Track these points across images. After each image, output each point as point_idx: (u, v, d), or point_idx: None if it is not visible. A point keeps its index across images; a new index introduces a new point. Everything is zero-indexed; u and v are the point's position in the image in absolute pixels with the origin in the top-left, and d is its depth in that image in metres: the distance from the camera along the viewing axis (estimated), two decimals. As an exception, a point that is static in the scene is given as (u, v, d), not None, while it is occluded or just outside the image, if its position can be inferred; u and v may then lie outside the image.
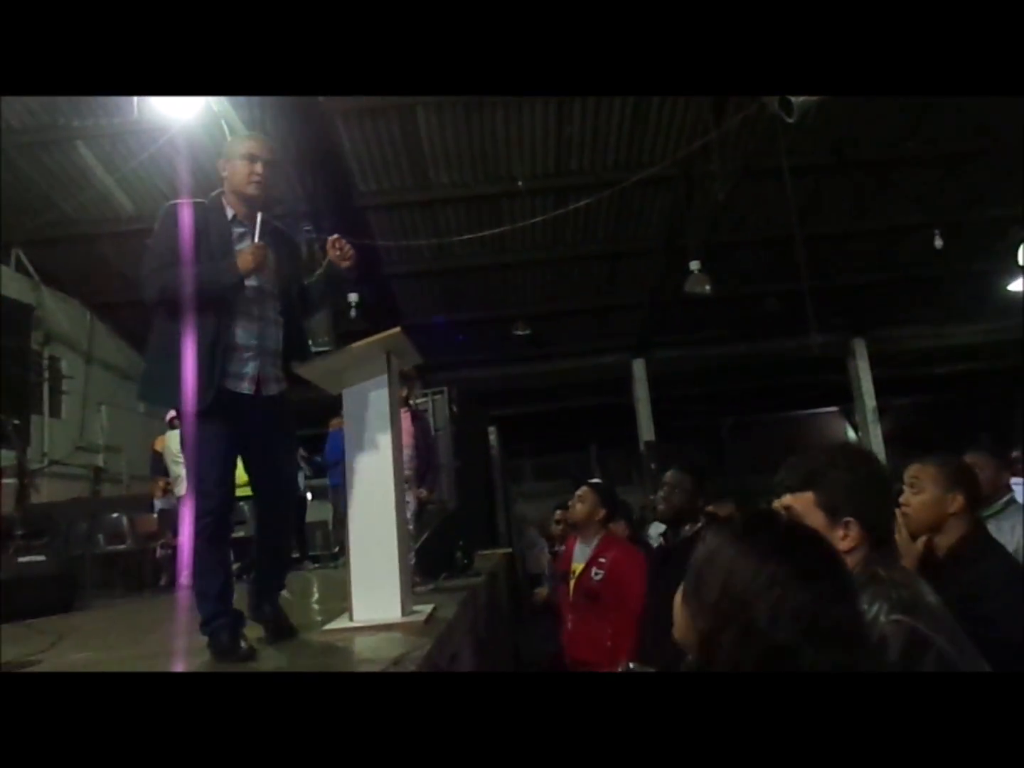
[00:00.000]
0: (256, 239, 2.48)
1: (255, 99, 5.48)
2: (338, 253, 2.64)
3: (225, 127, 5.43)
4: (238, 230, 2.54)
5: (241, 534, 7.74)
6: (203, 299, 2.43)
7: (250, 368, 2.48)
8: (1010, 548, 2.66)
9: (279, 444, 2.64)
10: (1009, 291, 10.22)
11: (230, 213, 2.56)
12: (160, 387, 2.48)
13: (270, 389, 2.53)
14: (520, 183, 7.79)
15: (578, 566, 3.87)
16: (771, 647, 0.92)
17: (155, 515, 7.28)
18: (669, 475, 3.15)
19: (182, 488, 7.55)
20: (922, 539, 2.11)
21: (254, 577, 2.74)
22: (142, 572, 6.83)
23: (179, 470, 7.58)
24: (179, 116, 5.45)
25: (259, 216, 2.51)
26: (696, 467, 3.19)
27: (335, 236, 2.68)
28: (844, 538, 1.50)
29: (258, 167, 2.53)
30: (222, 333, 2.45)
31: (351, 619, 2.61)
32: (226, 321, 2.46)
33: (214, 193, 2.59)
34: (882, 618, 1.39)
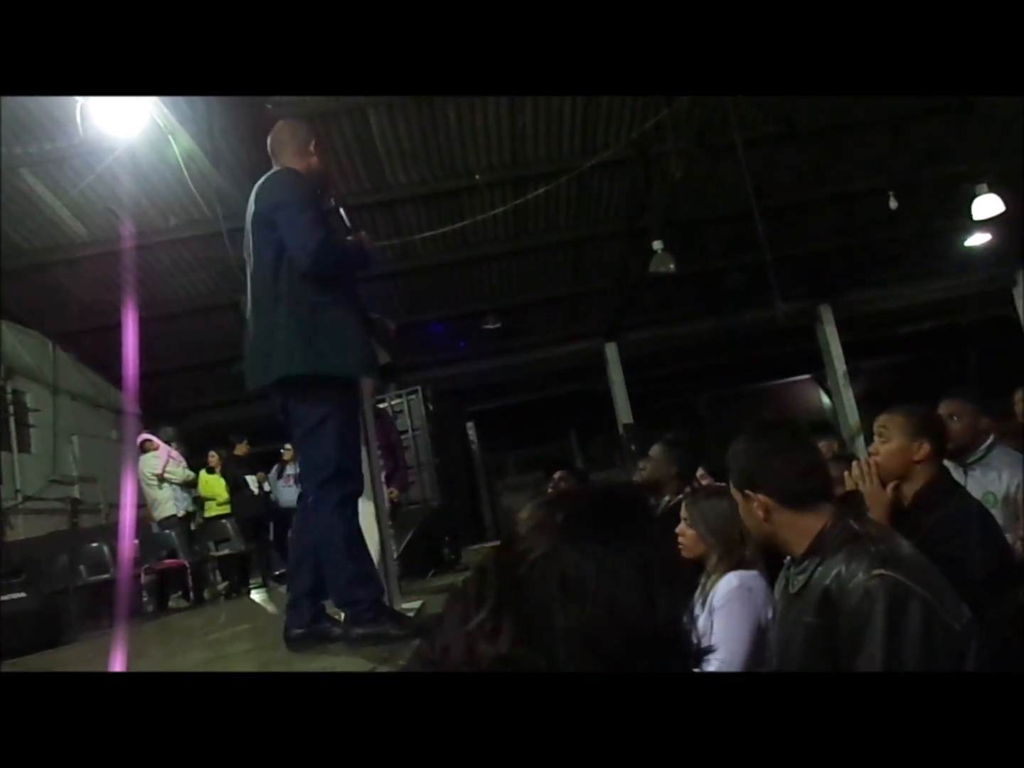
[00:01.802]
0: (349, 228, 2.58)
1: (202, 111, 5.39)
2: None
3: (173, 142, 5.34)
4: None
5: (226, 552, 7.72)
6: (351, 275, 2.48)
7: None
8: (999, 494, 2.71)
9: None
10: (966, 247, 10.39)
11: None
12: (335, 357, 2.36)
13: None
14: (477, 176, 7.76)
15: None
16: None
17: (137, 541, 7.19)
18: (652, 449, 3.21)
19: (162, 511, 7.50)
20: (891, 486, 2.17)
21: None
22: (128, 599, 6.73)
23: (155, 493, 7.51)
24: (125, 135, 5.34)
25: (342, 210, 2.61)
26: (676, 441, 3.22)
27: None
28: (757, 509, 1.59)
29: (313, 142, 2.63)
30: (371, 313, 2.51)
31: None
32: (359, 297, 2.51)
33: (283, 168, 2.54)
34: (861, 575, 1.42)
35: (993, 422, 3.09)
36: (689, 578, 2.46)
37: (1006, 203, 8.24)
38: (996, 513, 2.37)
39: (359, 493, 2.35)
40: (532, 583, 0.86)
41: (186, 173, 5.74)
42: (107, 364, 9.04)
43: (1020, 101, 7.57)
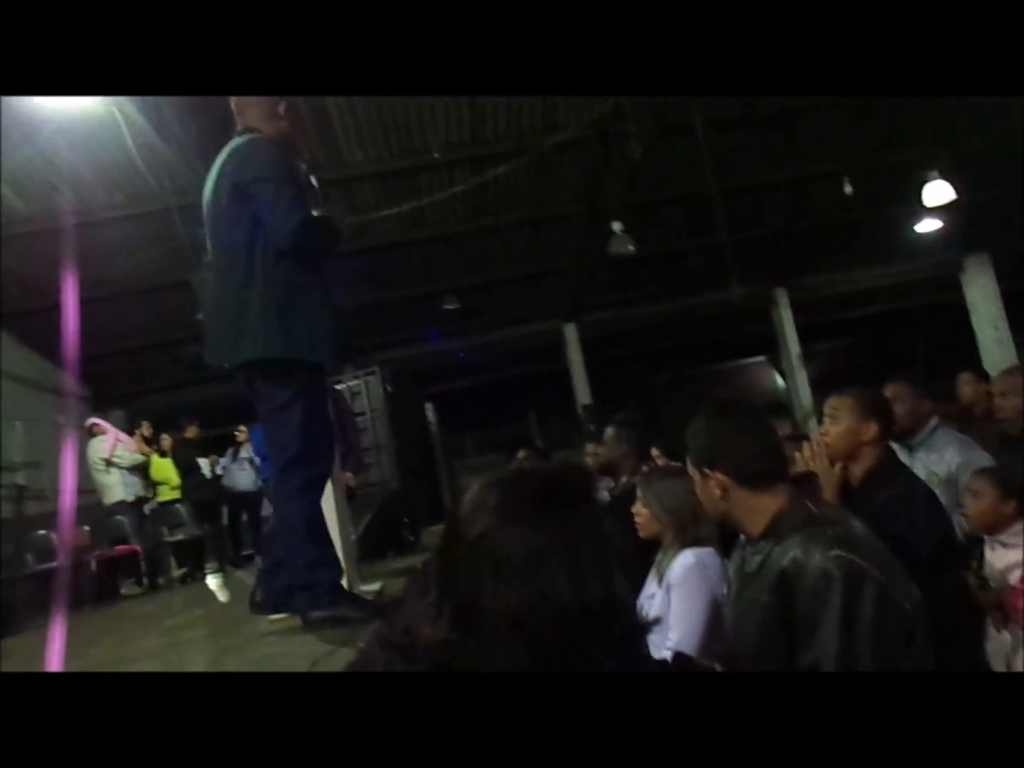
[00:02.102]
0: (321, 201, 2.47)
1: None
2: None
3: (117, 113, 5.15)
4: None
5: (180, 537, 7.58)
6: (323, 252, 2.39)
7: None
8: (941, 475, 2.77)
9: None
10: (917, 233, 10.60)
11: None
12: (309, 342, 2.30)
13: None
14: (436, 154, 7.65)
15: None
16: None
17: (87, 527, 7.03)
18: (607, 430, 3.22)
19: (111, 496, 7.32)
20: (839, 466, 2.22)
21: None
22: (79, 587, 6.58)
23: (103, 478, 7.33)
24: (66, 105, 5.13)
25: (313, 178, 2.50)
26: (628, 422, 3.24)
27: None
28: (714, 487, 1.61)
29: (282, 105, 2.51)
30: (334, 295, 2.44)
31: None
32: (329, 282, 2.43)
33: (254, 135, 2.42)
34: (818, 556, 1.44)
35: (937, 405, 3.16)
36: (639, 557, 2.49)
37: (956, 190, 8.41)
38: (939, 493, 2.43)
39: (325, 476, 2.32)
40: (466, 565, 0.85)
41: (132, 146, 5.54)
42: (52, 346, 8.74)
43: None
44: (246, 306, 2.27)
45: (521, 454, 3.86)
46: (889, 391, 2.80)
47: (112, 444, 7.33)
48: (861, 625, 1.35)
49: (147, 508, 7.68)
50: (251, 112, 2.44)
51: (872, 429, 2.21)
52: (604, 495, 4.23)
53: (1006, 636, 2.20)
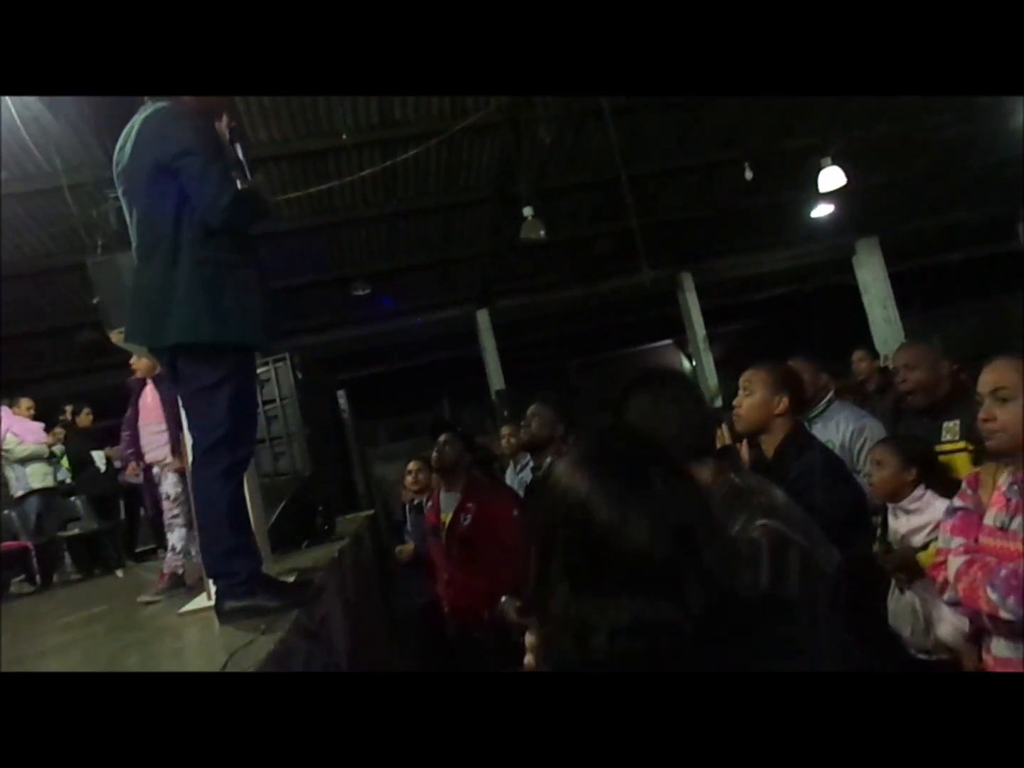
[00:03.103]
0: (248, 172, 2.31)
1: (33, 53, 4.90)
2: None
3: (9, 103, 4.82)
4: None
5: (76, 531, 7.22)
6: (253, 227, 2.27)
7: None
8: (836, 443, 2.94)
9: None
10: (812, 217, 11.08)
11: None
12: (241, 324, 2.20)
13: None
14: (344, 136, 7.48)
15: (447, 516, 3.87)
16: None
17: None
18: (530, 408, 3.23)
19: (12, 489, 6.93)
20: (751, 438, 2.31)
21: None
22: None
23: (8, 471, 6.94)
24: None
25: (239, 146, 2.32)
26: (556, 401, 3.28)
27: None
28: None
29: None
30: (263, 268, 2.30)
31: (209, 598, 2.48)
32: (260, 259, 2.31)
33: (168, 104, 2.25)
34: (744, 525, 1.48)
35: (833, 379, 3.35)
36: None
37: (848, 176, 8.82)
38: (837, 460, 2.56)
39: (247, 461, 2.24)
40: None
41: (17, 119, 5.20)
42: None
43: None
44: (173, 286, 2.16)
45: (442, 438, 3.84)
46: (792, 365, 2.93)
47: (2, 436, 6.92)
48: (788, 590, 1.39)
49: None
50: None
51: (783, 402, 2.29)
52: (527, 474, 4.27)
53: (909, 596, 2.35)
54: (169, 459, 3.98)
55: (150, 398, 4.18)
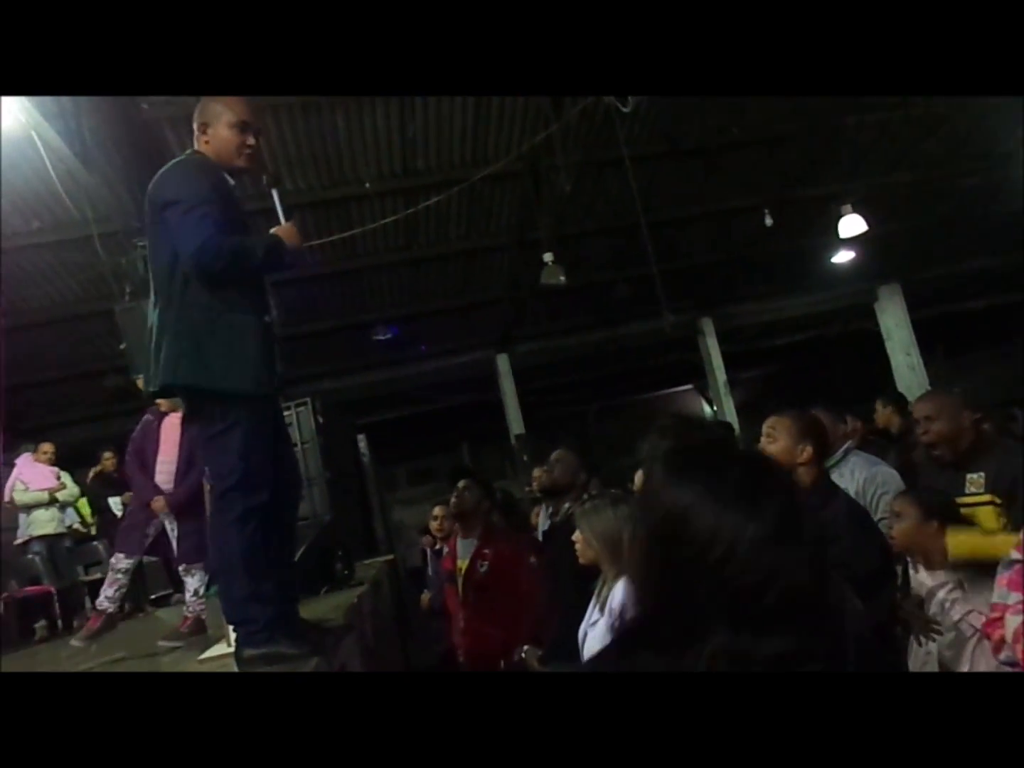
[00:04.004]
0: (283, 218, 2.34)
1: (69, 108, 5.05)
2: None
3: (36, 138, 4.98)
4: None
5: (98, 576, 7.23)
6: (256, 276, 2.28)
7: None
8: (852, 491, 2.90)
9: (289, 446, 2.53)
10: (833, 263, 11.09)
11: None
12: (226, 369, 2.19)
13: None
14: (367, 185, 7.65)
15: (463, 563, 3.84)
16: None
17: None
18: (554, 453, 3.22)
19: (26, 533, 6.97)
20: None
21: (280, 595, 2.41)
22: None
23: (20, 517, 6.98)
24: (-19, 128, 4.93)
25: (275, 192, 2.38)
26: (579, 447, 3.27)
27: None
28: None
29: (250, 138, 2.33)
30: (271, 315, 2.30)
31: (229, 645, 2.47)
32: (268, 302, 2.31)
33: (190, 155, 2.35)
34: None
35: (854, 427, 3.32)
36: (581, 583, 2.49)
37: (869, 223, 8.84)
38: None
39: (263, 507, 2.22)
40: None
41: (52, 172, 5.36)
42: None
43: (882, 127, 8.18)
44: (165, 330, 2.22)
45: (462, 484, 3.82)
46: None
47: (11, 483, 6.98)
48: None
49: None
50: (194, 135, 2.41)
51: (807, 451, 2.26)
52: (544, 521, 4.25)
53: (929, 646, 2.29)
54: (159, 500, 3.87)
55: (172, 432, 4.06)
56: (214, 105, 2.34)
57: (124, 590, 3.85)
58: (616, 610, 2.27)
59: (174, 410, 3.94)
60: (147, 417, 4.20)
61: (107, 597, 3.73)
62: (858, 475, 2.98)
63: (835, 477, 2.98)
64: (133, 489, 4.08)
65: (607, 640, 2.25)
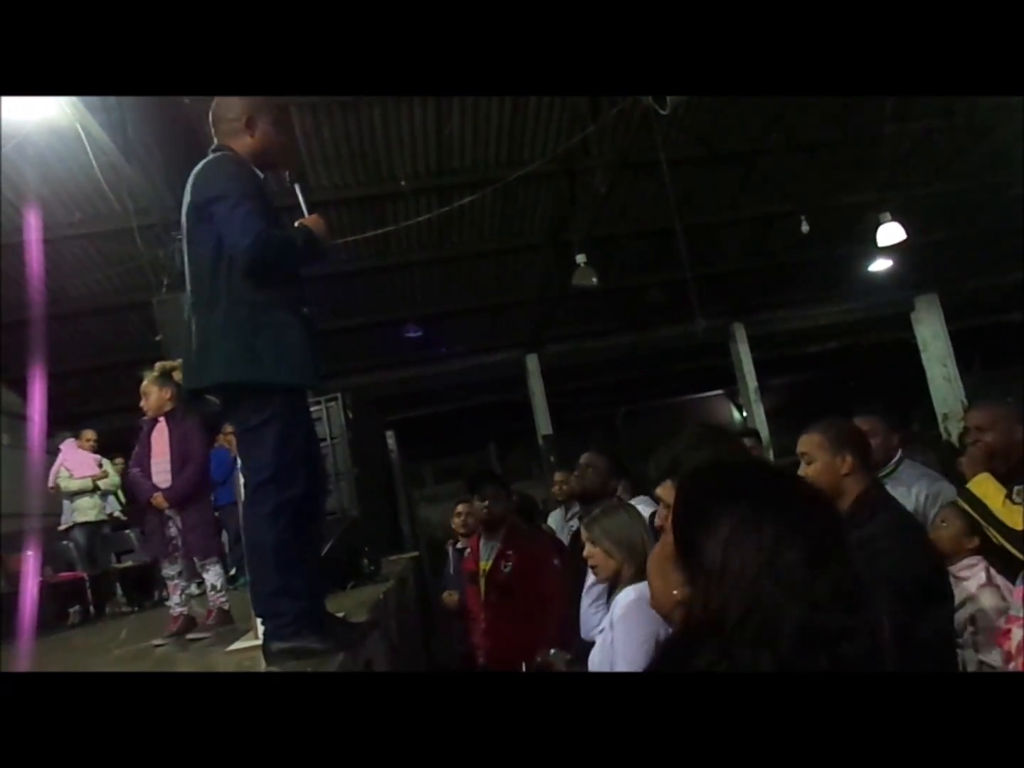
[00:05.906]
0: (306, 212, 2.37)
1: (113, 103, 5.14)
2: None
3: (81, 132, 5.08)
4: None
5: (129, 564, 7.35)
6: (295, 271, 2.31)
7: None
8: (910, 507, 2.81)
9: (316, 441, 2.55)
10: (869, 271, 10.92)
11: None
12: (276, 364, 2.22)
13: None
14: (403, 183, 7.68)
15: (486, 564, 3.84)
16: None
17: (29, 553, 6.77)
18: (584, 457, 3.19)
19: (62, 521, 7.12)
20: None
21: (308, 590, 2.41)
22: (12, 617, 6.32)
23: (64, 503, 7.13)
24: (27, 119, 5.04)
25: (298, 187, 2.41)
26: (610, 450, 3.24)
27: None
28: None
29: (286, 134, 2.40)
30: (309, 310, 2.32)
31: (256, 637, 2.49)
32: (305, 296, 2.33)
33: (223, 151, 2.36)
34: None
35: (903, 437, 3.23)
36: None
37: (907, 231, 8.69)
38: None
39: (297, 501, 2.24)
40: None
41: (95, 165, 5.45)
42: (1, 365, 8.51)
43: (923, 135, 8.04)
44: (212, 328, 2.23)
45: (490, 491, 3.80)
46: (864, 426, 2.82)
47: (55, 469, 7.12)
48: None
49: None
50: (218, 131, 2.42)
51: (848, 461, 2.17)
52: (573, 524, 4.23)
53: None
54: (157, 496, 3.92)
55: (162, 435, 4.14)
56: (257, 102, 2.36)
57: (187, 590, 3.94)
58: (613, 619, 2.22)
59: (160, 413, 4.01)
60: (143, 428, 4.28)
61: (174, 603, 3.84)
62: (916, 490, 2.86)
63: (890, 487, 2.89)
64: (138, 497, 4.18)
65: (608, 651, 2.20)
